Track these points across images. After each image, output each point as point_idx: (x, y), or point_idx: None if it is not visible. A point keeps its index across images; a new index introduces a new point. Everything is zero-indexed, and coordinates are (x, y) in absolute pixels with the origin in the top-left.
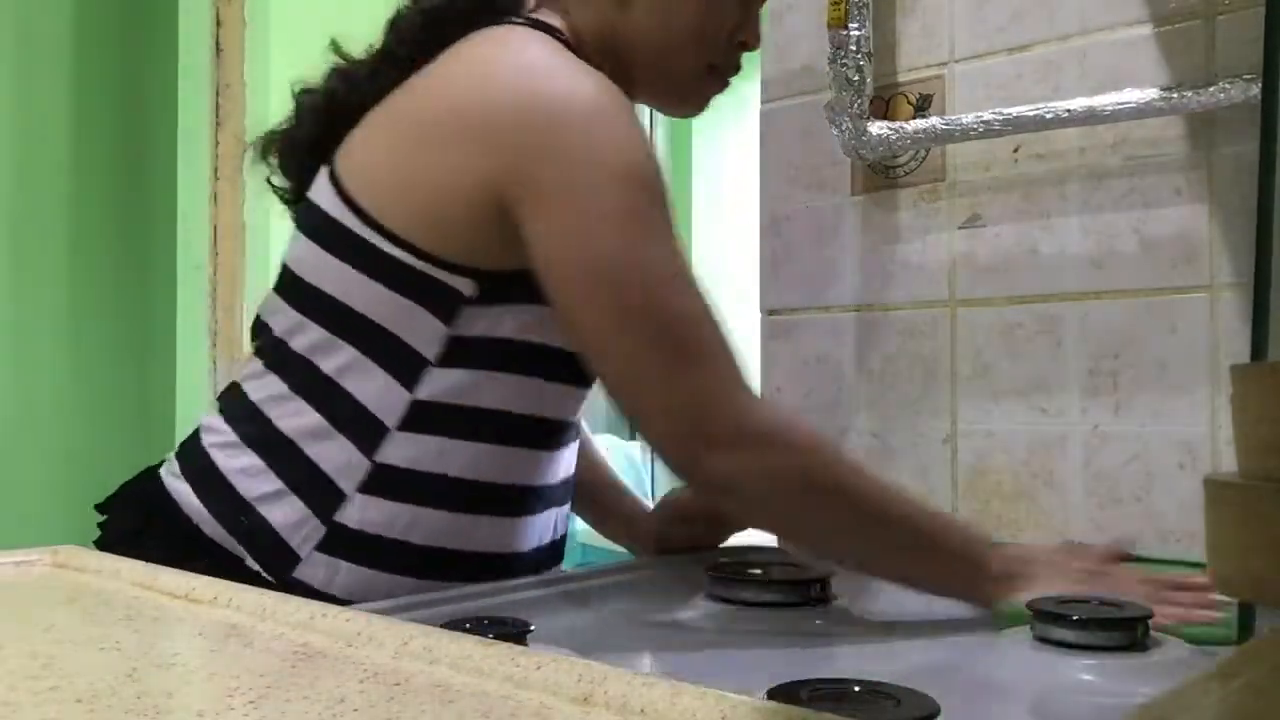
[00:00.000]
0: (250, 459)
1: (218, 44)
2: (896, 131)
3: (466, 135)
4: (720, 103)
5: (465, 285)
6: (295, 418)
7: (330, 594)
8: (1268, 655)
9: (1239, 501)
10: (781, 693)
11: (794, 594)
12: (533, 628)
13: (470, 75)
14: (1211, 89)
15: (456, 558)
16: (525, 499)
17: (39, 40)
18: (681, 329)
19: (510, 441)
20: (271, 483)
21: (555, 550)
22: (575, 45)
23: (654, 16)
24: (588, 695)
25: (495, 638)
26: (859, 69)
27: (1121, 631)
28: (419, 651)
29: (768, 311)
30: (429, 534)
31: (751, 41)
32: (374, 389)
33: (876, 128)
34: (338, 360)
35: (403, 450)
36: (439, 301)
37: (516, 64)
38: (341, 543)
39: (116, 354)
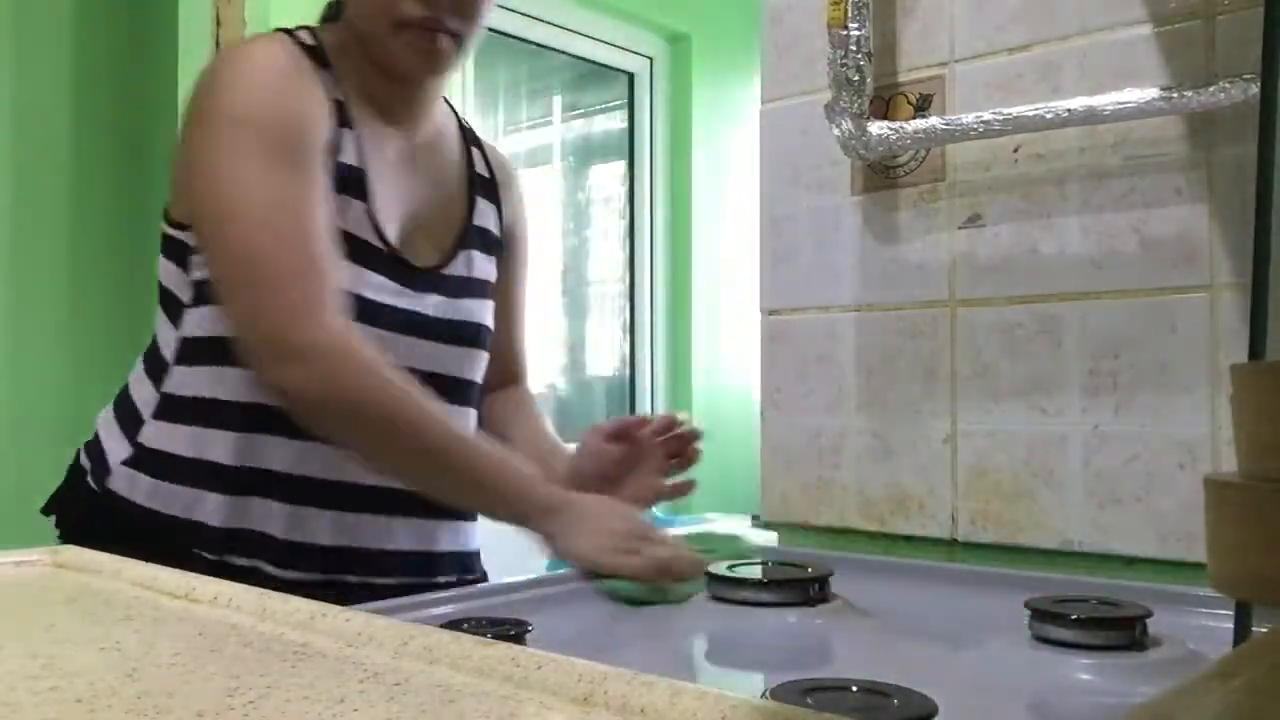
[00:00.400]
0: (111, 412)
1: (218, 44)
2: (896, 131)
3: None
4: (720, 102)
5: (189, 237)
6: (131, 372)
7: (137, 502)
8: (1268, 655)
9: (1239, 501)
10: (781, 693)
11: (794, 594)
12: (533, 628)
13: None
14: (1211, 89)
15: (253, 476)
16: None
17: (39, 40)
18: (257, 260)
19: None
20: (110, 420)
21: (407, 497)
22: (317, 48)
23: (351, 4)
24: (588, 695)
25: (495, 638)
26: (859, 69)
27: (1120, 631)
28: (419, 651)
29: (768, 311)
30: (221, 453)
31: None
32: (161, 334)
33: (876, 128)
34: (154, 319)
35: (178, 380)
36: (178, 255)
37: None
38: (142, 459)
39: (116, 354)
